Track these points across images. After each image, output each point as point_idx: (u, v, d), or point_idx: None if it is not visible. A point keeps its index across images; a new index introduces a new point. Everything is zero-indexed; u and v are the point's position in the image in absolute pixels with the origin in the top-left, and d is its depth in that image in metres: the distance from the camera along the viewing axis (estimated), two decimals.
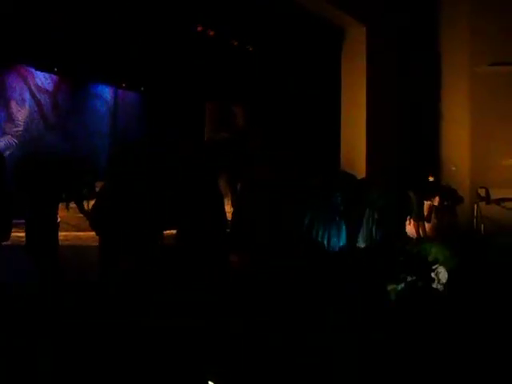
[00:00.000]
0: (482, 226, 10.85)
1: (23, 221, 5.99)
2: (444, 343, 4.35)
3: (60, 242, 5.99)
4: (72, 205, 6.97)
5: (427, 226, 10.36)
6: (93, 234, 6.24)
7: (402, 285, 5.73)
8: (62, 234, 6.42)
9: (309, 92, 11.27)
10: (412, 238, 9.72)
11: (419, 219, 10.13)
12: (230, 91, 12.48)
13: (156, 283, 5.53)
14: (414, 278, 5.91)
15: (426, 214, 10.38)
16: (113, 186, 5.88)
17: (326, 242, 7.59)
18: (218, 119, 13.98)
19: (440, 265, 6.08)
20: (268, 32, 10.17)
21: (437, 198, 10.31)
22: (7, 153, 11.33)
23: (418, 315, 5.06)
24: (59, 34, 9.38)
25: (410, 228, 9.81)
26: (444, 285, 6.08)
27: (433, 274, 6.03)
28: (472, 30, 12.39)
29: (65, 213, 9.29)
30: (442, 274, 6.03)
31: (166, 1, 8.72)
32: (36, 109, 13.02)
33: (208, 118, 13.95)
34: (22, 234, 5.99)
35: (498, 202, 11.05)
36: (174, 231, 7.01)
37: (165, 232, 6.73)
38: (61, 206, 6.76)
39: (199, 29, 9.39)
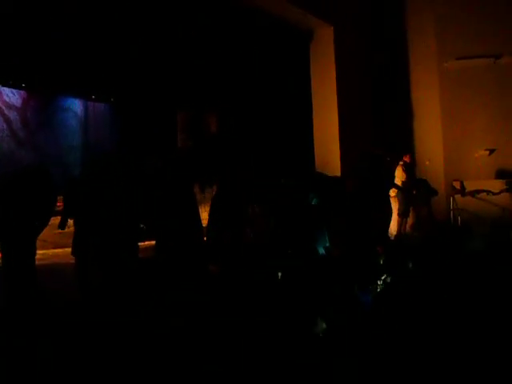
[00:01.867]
0: (459, 218, 10.95)
1: None
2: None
3: (37, 262, 5.86)
4: (52, 221, 6.78)
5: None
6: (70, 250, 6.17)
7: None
8: (39, 253, 6.29)
9: (279, 94, 11.29)
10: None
11: (404, 215, 10.13)
12: (200, 99, 12.44)
13: (136, 296, 5.47)
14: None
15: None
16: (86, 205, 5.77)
17: (304, 246, 7.50)
18: (189, 128, 13.92)
19: None
20: (236, 37, 10.16)
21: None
22: None
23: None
24: (24, 49, 9.26)
25: (393, 224, 9.81)
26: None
27: None
28: (438, 24, 12.52)
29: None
30: None
31: (132, 12, 8.65)
32: (5, 125, 12.86)
33: (180, 127, 13.88)
34: None
35: (473, 193, 11.15)
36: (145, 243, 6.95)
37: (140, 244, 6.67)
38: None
39: (168, 38, 9.34)
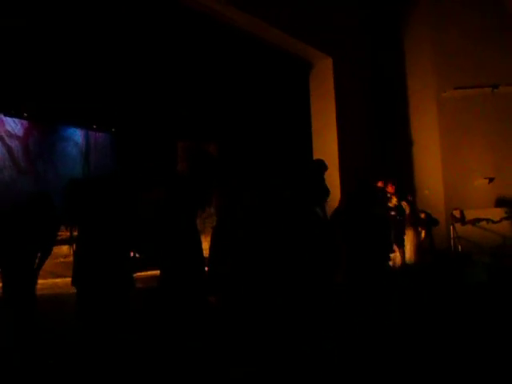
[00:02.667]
0: (459, 246, 10.93)
1: None
2: None
3: (37, 292, 5.85)
4: (55, 250, 6.75)
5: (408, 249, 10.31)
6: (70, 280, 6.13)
7: None
8: (39, 283, 6.27)
9: (279, 124, 11.36)
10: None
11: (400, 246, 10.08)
12: (200, 129, 12.51)
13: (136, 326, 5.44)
14: None
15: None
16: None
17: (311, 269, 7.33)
18: (189, 158, 13.97)
19: None
20: (237, 67, 10.27)
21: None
22: None
23: None
24: (27, 79, 9.35)
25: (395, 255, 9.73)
26: None
27: None
28: (436, 54, 12.66)
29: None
30: None
31: (133, 44, 8.77)
32: (7, 155, 12.93)
33: (180, 157, 13.94)
34: None
35: (473, 222, 11.15)
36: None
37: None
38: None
39: (169, 68, 9.45)
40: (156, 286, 5.91)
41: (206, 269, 6.69)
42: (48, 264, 8.84)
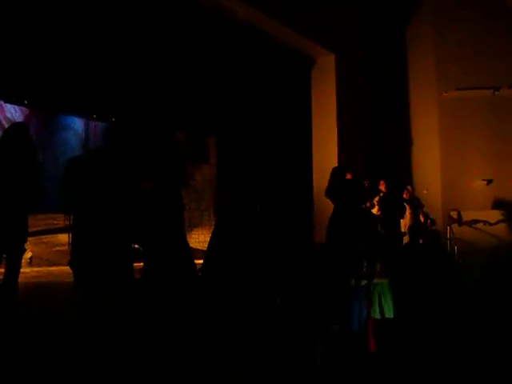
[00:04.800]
0: (456, 247, 10.95)
1: None
2: None
3: (33, 279, 5.82)
4: (45, 239, 6.65)
5: None
6: (66, 268, 6.09)
7: None
8: (34, 270, 6.29)
9: (279, 120, 11.36)
10: None
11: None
12: (201, 122, 12.50)
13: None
14: None
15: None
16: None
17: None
18: (190, 150, 13.96)
19: None
20: (238, 61, 10.26)
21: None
22: None
23: None
24: (28, 66, 9.33)
25: None
26: None
27: None
28: (438, 55, 12.67)
29: (37, 247, 9.14)
30: None
31: (135, 33, 8.75)
32: None
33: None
34: None
35: (470, 223, 11.16)
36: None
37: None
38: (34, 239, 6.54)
39: (170, 60, 9.43)
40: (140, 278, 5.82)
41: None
42: (44, 252, 8.90)
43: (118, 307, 5.18)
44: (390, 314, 6.27)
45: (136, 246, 6.04)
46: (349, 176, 8.94)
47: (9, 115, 13.01)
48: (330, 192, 7.32)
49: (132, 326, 5.21)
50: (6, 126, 12.89)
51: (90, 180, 5.24)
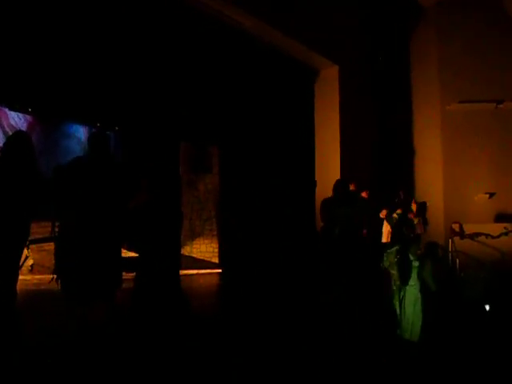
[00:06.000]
0: (458, 260, 10.91)
1: None
2: None
3: (34, 287, 5.82)
4: (47, 246, 6.63)
5: None
6: None
7: None
8: (35, 277, 6.28)
9: (282, 130, 11.37)
10: None
11: None
12: (204, 131, 12.51)
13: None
14: None
15: None
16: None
17: None
18: (192, 159, 13.97)
19: None
20: (243, 71, 10.30)
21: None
22: None
23: None
24: (33, 74, 9.36)
25: None
26: None
27: None
28: (441, 68, 12.71)
29: (39, 254, 9.13)
30: None
31: (140, 43, 8.79)
32: None
33: (182, 159, 13.92)
34: None
35: (472, 236, 11.13)
36: None
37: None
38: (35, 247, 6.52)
39: (175, 70, 9.46)
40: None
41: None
42: (45, 259, 8.88)
43: (109, 316, 5.16)
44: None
45: (131, 253, 6.02)
46: (352, 187, 8.97)
47: (13, 122, 13.05)
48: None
49: (124, 334, 5.20)
50: (10, 133, 12.95)
51: (76, 188, 5.25)
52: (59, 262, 5.17)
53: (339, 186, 8.00)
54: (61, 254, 5.22)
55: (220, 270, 12.55)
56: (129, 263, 5.99)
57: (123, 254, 5.69)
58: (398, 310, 6.35)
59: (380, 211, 9.25)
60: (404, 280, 6.35)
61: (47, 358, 4.68)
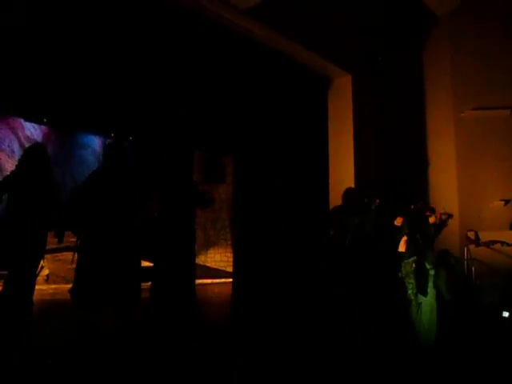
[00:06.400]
0: (473, 268, 10.84)
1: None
2: None
3: (49, 297, 5.86)
4: (62, 256, 6.71)
5: None
6: None
7: None
8: (51, 287, 6.32)
9: (295, 139, 11.38)
10: None
11: None
12: (218, 141, 12.55)
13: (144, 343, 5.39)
14: None
15: None
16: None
17: None
18: (207, 169, 14.03)
19: None
20: (256, 80, 10.33)
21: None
22: None
23: None
24: (48, 85, 9.45)
25: None
26: None
27: None
28: (455, 75, 12.67)
29: (54, 264, 9.19)
30: None
31: (153, 52, 8.85)
32: None
33: (197, 168, 13.97)
34: None
35: (488, 244, 11.05)
36: None
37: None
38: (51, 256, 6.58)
39: (188, 79, 9.51)
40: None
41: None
42: (61, 269, 8.94)
43: (126, 326, 5.20)
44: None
45: (145, 264, 6.08)
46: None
47: (28, 133, 13.18)
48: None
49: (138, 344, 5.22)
50: (26, 144, 13.08)
51: (95, 203, 5.32)
52: (79, 283, 5.25)
53: (350, 194, 8.01)
54: (82, 264, 5.30)
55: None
56: (144, 273, 6.04)
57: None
58: (414, 319, 6.34)
59: (395, 219, 9.19)
60: (422, 289, 6.37)
61: (55, 362, 4.70)
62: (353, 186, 10.87)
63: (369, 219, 7.81)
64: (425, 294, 6.38)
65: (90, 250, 5.36)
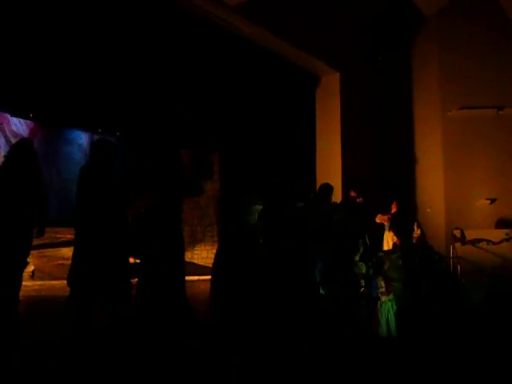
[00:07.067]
0: (459, 267, 10.90)
1: None
2: None
3: (34, 293, 5.82)
4: (48, 252, 6.67)
5: None
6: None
7: None
8: (36, 284, 6.27)
9: (283, 136, 11.38)
10: None
11: None
12: (205, 138, 12.52)
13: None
14: None
15: None
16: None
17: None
18: (194, 166, 13.97)
19: None
20: (243, 78, 10.32)
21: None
22: None
23: None
24: (35, 80, 9.39)
25: None
26: None
27: None
28: (442, 74, 12.73)
29: (39, 260, 9.13)
30: None
31: (142, 50, 8.81)
32: None
33: (184, 165, 13.90)
34: None
35: (473, 242, 11.11)
36: None
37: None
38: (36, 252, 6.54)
39: (176, 76, 9.48)
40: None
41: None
42: (46, 266, 8.88)
43: (115, 323, 5.18)
44: (394, 331, 6.28)
45: (132, 260, 6.05)
46: (353, 194, 8.93)
47: (14, 128, 13.06)
48: None
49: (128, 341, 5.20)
50: (12, 139, 12.97)
51: (86, 199, 5.33)
52: (76, 272, 5.25)
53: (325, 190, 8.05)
54: (77, 260, 5.31)
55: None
56: (132, 269, 6.03)
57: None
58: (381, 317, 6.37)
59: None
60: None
61: (47, 358, 4.67)
62: (340, 183, 10.93)
63: (351, 217, 7.83)
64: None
65: (83, 244, 5.37)
